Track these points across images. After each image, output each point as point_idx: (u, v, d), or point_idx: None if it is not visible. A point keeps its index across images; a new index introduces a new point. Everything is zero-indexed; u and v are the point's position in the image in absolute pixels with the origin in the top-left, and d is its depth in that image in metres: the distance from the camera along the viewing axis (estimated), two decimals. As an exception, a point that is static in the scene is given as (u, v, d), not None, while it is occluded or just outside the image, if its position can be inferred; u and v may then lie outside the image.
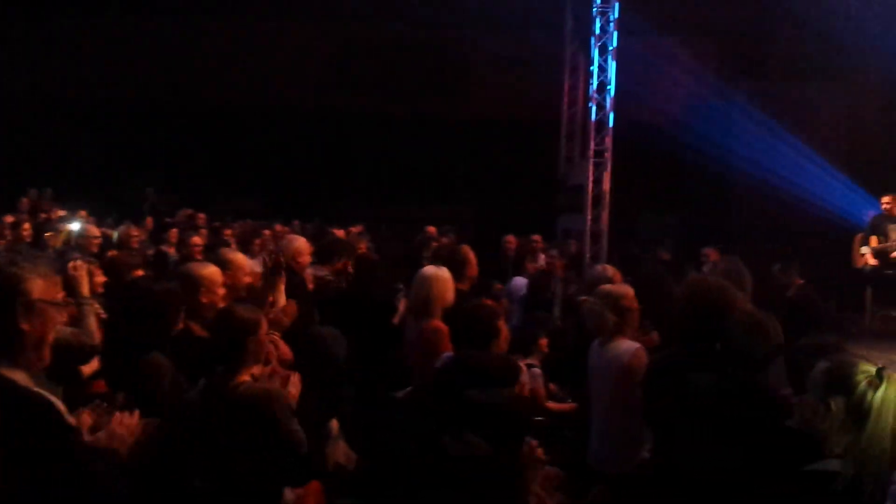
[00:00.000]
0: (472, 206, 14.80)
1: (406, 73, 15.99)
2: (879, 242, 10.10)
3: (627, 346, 4.25)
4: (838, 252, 10.65)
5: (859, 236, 10.48)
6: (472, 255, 5.78)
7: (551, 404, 5.46)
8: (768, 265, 8.44)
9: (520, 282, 7.90)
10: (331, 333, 4.62)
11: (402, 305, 6.06)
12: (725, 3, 13.37)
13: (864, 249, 10.19)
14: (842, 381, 2.52)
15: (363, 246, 8.65)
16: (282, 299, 4.69)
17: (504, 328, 4.21)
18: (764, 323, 3.39)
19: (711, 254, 9.68)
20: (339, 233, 9.43)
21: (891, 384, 2.48)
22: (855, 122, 13.64)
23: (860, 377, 2.51)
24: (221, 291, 4.18)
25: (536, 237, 10.32)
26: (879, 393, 2.46)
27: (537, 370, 5.50)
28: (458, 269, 5.41)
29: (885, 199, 10.22)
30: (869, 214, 10.77)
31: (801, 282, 7.41)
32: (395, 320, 6.09)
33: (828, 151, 12.54)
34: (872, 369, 2.51)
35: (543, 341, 5.70)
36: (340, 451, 4.49)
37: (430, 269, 5.03)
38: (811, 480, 2.52)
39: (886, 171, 11.90)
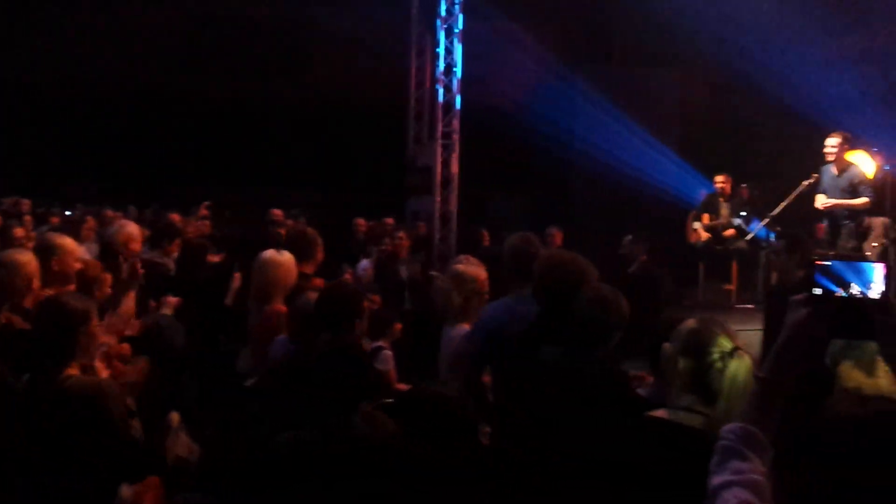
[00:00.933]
0: (320, 189, 14.59)
1: (248, 53, 15.54)
2: (711, 220, 10.71)
3: (460, 331, 4.27)
4: (673, 229, 11.19)
5: (693, 213, 11.07)
6: (318, 238, 5.67)
7: (401, 385, 5.48)
8: (610, 243, 8.75)
9: (365, 264, 7.88)
10: (167, 321, 4.43)
11: (235, 282, 5.88)
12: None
13: (697, 225, 10.76)
14: (698, 345, 2.56)
15: (204, 230, 8.38)
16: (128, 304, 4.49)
17: (366, 309, 4.17)
18: (611, 298, 3.44)
19: (556, 234, 9.94)
20: (177, 218, 9.07)
21: (741, 364, 2.52)
22: (688, 107, 14.34)
23: (714, 349, 2.55)
24: (36, 282, 3.91)
25: (389, 220, 10.30)
26: (729, 372, 2.50)
27: (388, 352, 5.51)
28: (304, 252, 5.29)
29: (719, 178, 10.82)
30: (701, 193, 11.39)
31: (645, 258, 7.69)
32: (228, 301, 5.92)
33: (663, 134, 13.13)
34: (728, 346, 2.53)
35: (398, 326, 5.70)
36: (182, 444, 4.30)
37: (270, 254, 4.90)
38: (653, 427, 2.54)
39: (716, 153, 12.60)
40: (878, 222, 8.09)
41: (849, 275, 1.80)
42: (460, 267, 4.80)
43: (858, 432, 1.60)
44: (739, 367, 2.48)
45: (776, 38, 12.11)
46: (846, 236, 8.26)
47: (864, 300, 1.78)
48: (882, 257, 7.72)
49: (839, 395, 1.70)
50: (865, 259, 7.74)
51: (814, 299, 1.80)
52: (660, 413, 2.56)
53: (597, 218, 12.40)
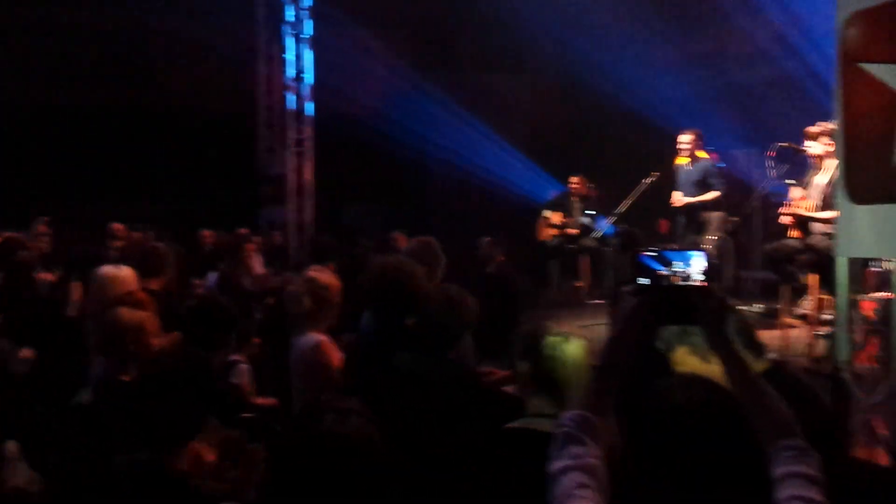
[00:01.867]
0: (169, 202, 14.05)
1: (88, 63, 14.78)
2: (565, 218, 11.00)
3: (311, 339, 4.19)
4: (525, 230, 11.44)
5: (545, 212, 11.34)
6: (167, 253, 5.47)
7: (259, 399, 5.36)
8: (467, 247, 8.83)
9: (213, 277, 7.65)
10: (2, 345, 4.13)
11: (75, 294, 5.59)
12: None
13: (547, 213, 10.99)
14: (531, 343, 2.59)
15: (42, 247, 7.90)
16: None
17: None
18: (457, 298, 3.44)
19: (400, 238, 9.91)
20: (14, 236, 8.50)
21: (574, 346, 2.57)
22: (536, 111, 14.71)
23: (546, 341, 2.58)
24: None
25: (243, 230, 10.04)
26: (565, 356, 2.55)
27: (244, 366, 5.37)
28: (148, 267, 5.09)
29: (574, 179, 11.11)
30: (552, 193, 11.69)
31: (502, 258, 7.79)
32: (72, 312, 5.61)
33: (513, 137, 13.41)
34: (559, 338, 2.58)
35: (256, 340, 5.57)
36: (20, 474, 4.03)
37: (107, 269, 4.69)
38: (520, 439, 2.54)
39: (565, 155, 12.98)
40: (715, 216, 8.51)
41: (673, 262, 1.87)
42: (314, 273, 4.71)
43: (682, 418, 1.66)
44: (574, 350, 2.53)
45: (617, 43, 12.59)
46: (686, 231, 8.66)
47: (687, 287, 1.85)
48: (718, 250, 8.12)
49: (670, 381, 1.75)
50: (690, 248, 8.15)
51: (641, 289, 1.86)
52: (516, 424, 2.59)
53: (453, 222, 12.51)
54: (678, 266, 1.86)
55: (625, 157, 11.45)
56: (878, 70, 3.35)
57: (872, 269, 5.75)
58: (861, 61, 3.44)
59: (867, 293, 5.88)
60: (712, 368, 2.92)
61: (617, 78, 12.42)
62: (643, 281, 1.87)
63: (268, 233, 11.65)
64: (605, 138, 13.13)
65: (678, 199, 8.63)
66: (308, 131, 11.60)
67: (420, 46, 14.60)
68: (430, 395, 3.21)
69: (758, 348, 2.64)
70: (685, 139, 8.66)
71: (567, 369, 2.54)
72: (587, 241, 10.49)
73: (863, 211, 3.53)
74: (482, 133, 13.23)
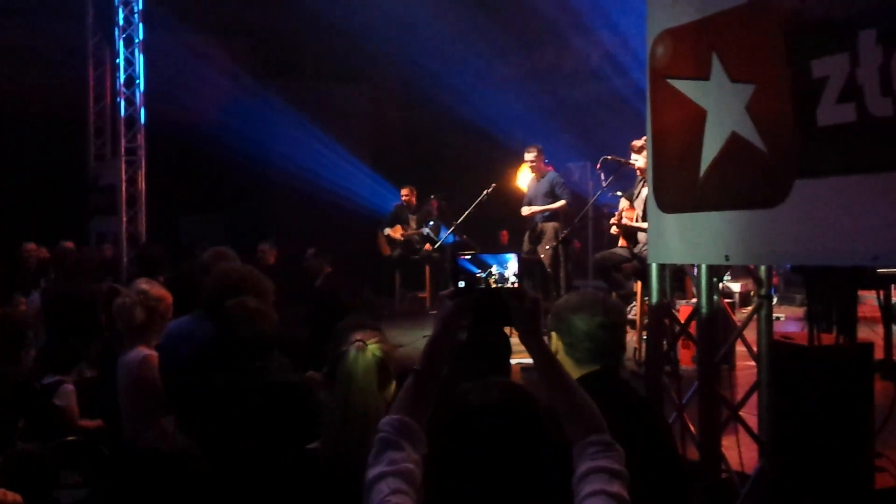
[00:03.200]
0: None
1: None
2: (404, 230, 11.08)
3: (138, 354, 4.04)
4: (368, 240, 11.43)
5: (383, 225, 11.38)
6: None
7: (84, 422, 5.10)
8: (306, 256, 8.71)
9: (36, 297, 7.20)
10: None
11: None
12: (256, 4, 13.55)
13: (386, 230, 11.05)
14: (335, 356, 2.59)
15: None
16: None
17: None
18: (263, 310, 3.38)
19: (267, 250, 9.74)
20: None
21: (359, 354, 2.55)
22: (380, 122, 14.76)
23: (347, 350, 2.57)
24: None
25: (68, 243, 9.50)
26: (347, 361, 2.54)
27: (69, 386, 5.11)
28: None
29: (404, 191, 11.24)
30: (394, 205, 11.75)
31: (330, 270, 7.73)
32: None
33: (357, 148, 13.38)
34: (354, 345, 2.56)
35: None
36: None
37: None
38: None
39: (406, 165, 13.08)
40: (550, 226, 8.80)
41: (489, 265, 1.92)
42: (145, 284, 4.52)
43: (478, 420, 1.69)
44: (357, 357, 2.53)
45: (458, 57, 12.83)
46: (526, 241, 8.91)
47: (501, 290, 1.90)
48: (553, 258, 8.38)
49: (469, 385, 1.78)
50: (543, 260, 8.41)
51: (458, 292, 1.90)
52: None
53: (295, 233, 12.36)
54: (493, 269, 1.91)
55: (466, 168, 11.66)
56: (683, 85, 3.55)
57: (689, 276, 6.11)
58: (668, 77, 3.63)
59: (687, 299, 6.24)
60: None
61: (458, 91, 12.65)
62: (461, 284, 1.91)
63: (98, 246, 11.10)
64: (447, 149, 13.32)
65: (526, 210, 8.89)
66: (141, 139, 11.14)
67: (261, 54, 14.36)
68: (246, 412, 3.16)
69: None
70: (529, 156, 8.95)
71: (345, 370, 2.54)
72: (429, 252, 10.59)
73: (671, 219, 3.72)
74: (324, 143, 13.13)
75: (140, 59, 11.23)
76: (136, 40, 11.21)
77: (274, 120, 13.40)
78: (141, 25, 11.25)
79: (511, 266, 1.91)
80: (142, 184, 11.16)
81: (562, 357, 2.59)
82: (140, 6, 11.20)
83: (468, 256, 1.93)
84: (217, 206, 13.56)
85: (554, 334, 2.66)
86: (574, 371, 2.51)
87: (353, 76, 14.39)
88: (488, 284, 1.90)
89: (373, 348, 2.57)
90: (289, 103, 13.28)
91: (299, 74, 14.77)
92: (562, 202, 8.76)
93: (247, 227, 11.99)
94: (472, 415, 1.69)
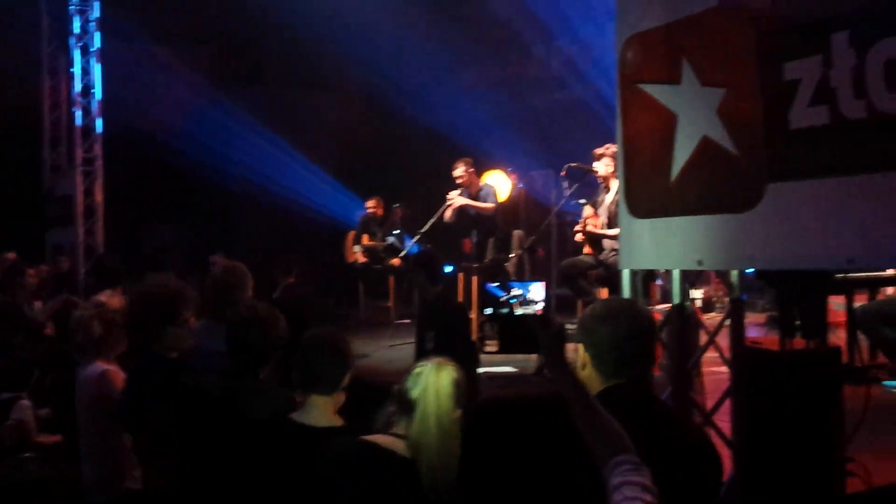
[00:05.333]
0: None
1: None
2: (371, 240, 11.00)
3: (97, 368, 3.96)
4: (332, 250, 11.33)
5: (351, 234, 11.29)
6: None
7: (41, 438, 5.00)
8: (271, 267, 8.59)
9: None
10: None
11: None
12: (216, 12, 13.39)
13: (357, 248, 10.99)
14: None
15: None
16: None
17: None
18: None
19: (219, 261, 9.58)
20: None
21: (438, 374, 2.58)
22: (344, 130, 14.65)
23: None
24: None
25: (10, 254, 9.21)
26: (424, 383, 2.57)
27: (25, 402, 5.03)
28: None
29: (370, 203, 11.17)
30: (359, 215, 11.66)
31: (292, 280, 7.63)
32: None
33: (320, 157, 13.27)
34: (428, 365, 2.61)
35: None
36: None
37: None
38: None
39: (371, 175, 13.00)
40: (515, 235, 8.78)
41: (513, 290, 1.98)
42: (104, 297, 4.42)
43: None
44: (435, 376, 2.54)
45: (423, 64, 12.80)
46: (491, 249, 8.86)
47: (526, 316, 1.94)
48: (517, 267, 8.36)
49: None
50: (507, 272, 8.37)
51: (487, 317, 1.96)
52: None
53: (258, 242, 12.22)
54: (518, 295, 1.95)
55: (430, 176, 11.59)
56: (654, 90, 3.54)
57: (657, 283, 6.12)
58: (638, 82, 3.62)
59: (653, 306, 6.24)
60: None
61: (422, 99, 12.61)
62: (487, 310, 1.95)
63: (54, 258, 10.86)
64: (411, 158, 13.26)
65: (455, 199, 8.68)
66: (98, 149, 10.94)
67: (222, 62, 14.20)
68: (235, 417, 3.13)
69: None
70: (458, 172, 8.74)
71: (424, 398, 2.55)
72: (394, 261, 10.51)
73: (642, 225, 3.70)
74: (286, 151, 13.01)
75: (97, 69, 11.02)
76: (93, 49, 11.01)
77: (235, 128, 13.25)
78: (97, 34, 11.04)
79: (536, 293, 1.95)
80: (99, 194, 10.95)
81: (590, 370, 2.47)
82: (96, 14, 11.00)
83: (496, 282, 1.98)
84: (179, 216, 13.37)
85: (581, 347, 2.52)
86: (602, 384, 2.43)
87: (316, 84, 14.28)
88: (513, 309, 1.97)
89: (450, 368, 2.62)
90: (250, 112, 13.14)
91: (261, 83, 14.63)
92: (489, 205, 8.65)
93: (209, 237, 11.84)
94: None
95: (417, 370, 2.62)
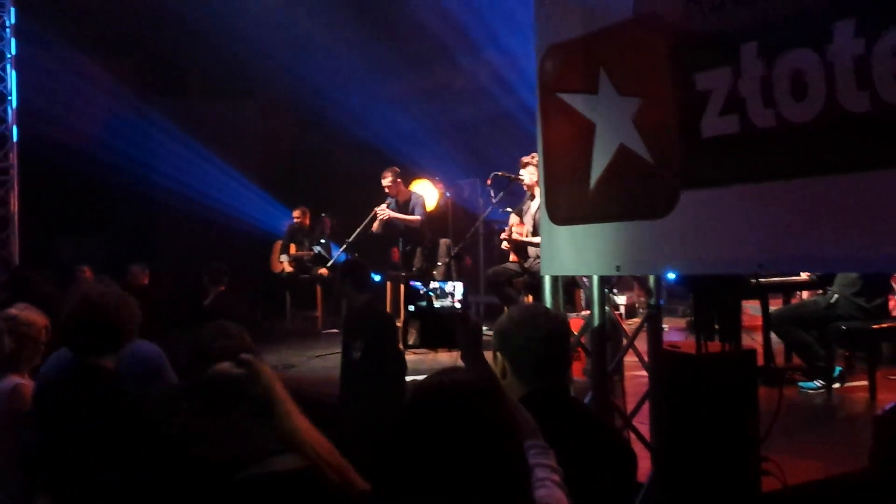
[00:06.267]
0: None
1: None
2: (297, 250, 10.92)
3: (9, 382, 3.83)
4: (258, 261, 11.20)
5: (278, 244, 11.19)
6: None
7: None
8: (195, 278, 8.45)
9: None
10: None
11: None
12: (137, 20, 13.13)
13: (283, 258, 10.90)
14: None
15: None
16: None
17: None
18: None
19: (86, 271, 9.27)
20: None
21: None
22: (270, 140, 14.50)
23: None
24: None
25: None
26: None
27: None
28: None
29: (296, 213, 11.12)
30: (285, 224, 11.56)
31: (223, 288, 7.55)
32: None
33: (245, 166, 13.10)
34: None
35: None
36: None
37: None
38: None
39: (298, 184, 12.90)
40: (442, 243, 8.85)
41: (432, 284, 2.01)
42: (15, 310, 4.27)
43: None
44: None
45: (348, 74, 12.76)
46: (419, 257, 8.89)
47: (444, 313, 1.97)
48: (445, 274, 8.39)
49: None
50: (435, 277, 8.40)
51: (409, 315, 1.98)
52: None
53: (181, 253, 11.99)
54: (436, 288, 1.98)
55: (357, 185, 11.56)
56: (572, 99, 3.60)
57: (581, 290, 6.23)
58: (557, 91, 3.67)
59: (577, 312, 6.34)
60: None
61: (348, 108, 12.58)
62: (410, 308, 1.98)
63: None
64: (338, 167, 13.20)
65: (383, 213, 8.72)
66: (13, 158, 10.60)
67: (143, 71, 13.91)
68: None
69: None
70: (386, 181, 8.85)
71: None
72: (321, 271, 10.46)
73: (562, 231, 3.75)
74: (210, 161, 12.80)
75: (12, 75, 10.69)
76: (8, 55, 10.67)
77: (157, 138, 13.00)
78: (13, 40, 10.70)
79: (455, 292, 1.99)
80: (14, 205, 10.60)
81: (510, 378, 2.44)
82: (12, 20, 10.66)
83: (419, 281, 2.00)
84: (97, 227, 13.03)
85: (499, 354, 2.48)
86: (523, 390, 2.40)
87: (240, 93, 14.11)
88: (431, 301, 2.00)
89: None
90: (173, 121, 12.90)
91: (184, 92, 14.39)
92: (416, 217, 8.75)
93: (130, 248, 11.55)
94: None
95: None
